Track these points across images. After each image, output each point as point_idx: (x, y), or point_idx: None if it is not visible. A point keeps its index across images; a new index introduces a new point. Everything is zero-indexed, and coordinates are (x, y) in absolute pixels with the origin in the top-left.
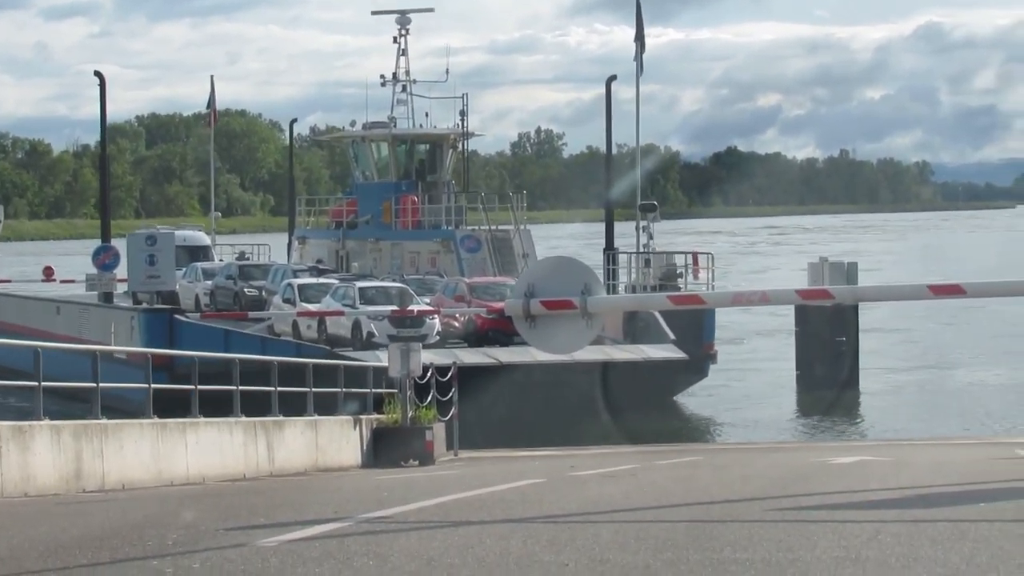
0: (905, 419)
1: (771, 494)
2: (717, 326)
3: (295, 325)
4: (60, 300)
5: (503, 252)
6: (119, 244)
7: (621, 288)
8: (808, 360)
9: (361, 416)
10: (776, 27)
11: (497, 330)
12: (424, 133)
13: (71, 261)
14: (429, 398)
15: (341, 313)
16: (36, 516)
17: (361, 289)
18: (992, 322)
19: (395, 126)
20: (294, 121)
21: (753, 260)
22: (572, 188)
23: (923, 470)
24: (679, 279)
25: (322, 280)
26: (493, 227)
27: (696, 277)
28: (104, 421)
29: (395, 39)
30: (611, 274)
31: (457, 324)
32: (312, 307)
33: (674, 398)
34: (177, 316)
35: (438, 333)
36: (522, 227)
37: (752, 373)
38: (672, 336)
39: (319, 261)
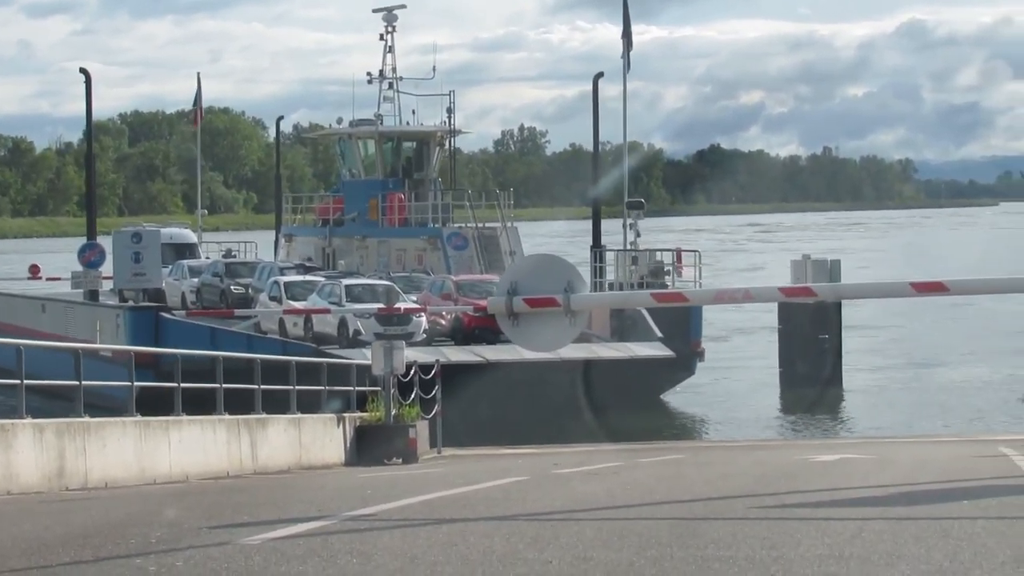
0: (888, 417)
1: (754, 492)
2: (705, 324)
3: (281, 323)
4: (46, 298)
5: (490, 250)
6: (104, 242)
7: (608, 286)
8: (791, 358)
9: (344, 414)
10: (759, 24)
11: (484, 328)
12: (411, 130)
13: (55, 259)
14: (412, 396)
15: (327, 311)
16: (19, 514)
17: (347, 287)
18: (976, 320)
19: (382, 123)
20: (281, 118)
21: (739, 257)
22: (555, 186)
23: (906, 468)
24: (666, 276)
25: (308, 278)
26: (480, 225)
27: (679, 274)
28: (87, 419)
29: (382, 36)
30: (598, 271)
31: (444, 322)
32: (298, 305)
33: (661, 396)
34: (163, 314)
35: (425, 331)
36: (509, 225)
37: (738, 371)
38: (659, 334)
39: (308, 259)
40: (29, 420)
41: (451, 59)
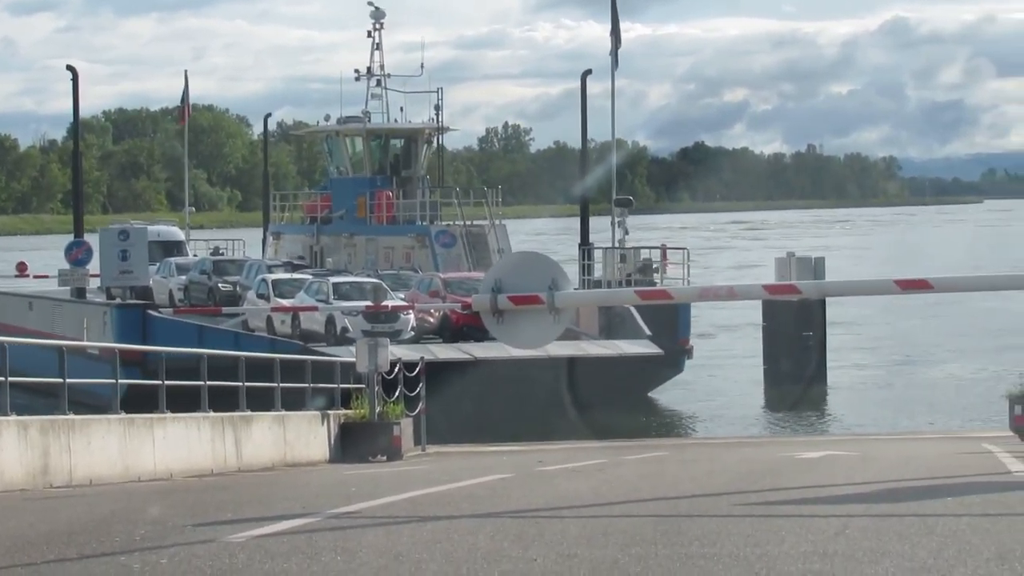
0: (872, 414)
1: (739, 489)
2: (693, 321)
3: (269, 321)
4: (33, 296)
5: (478, 247)
6: (91, 239)
7: (596, 283)
8: (775, 355)
9: (329, 411)
10: (743, 22)
11: (472, 326)
12: (399, 128)
13: (40, 256)
14: (397, 393)
15: (315, 309)
16: (3, 512)
17: (335, 284)
18: (960, 317)
19: (370, 121)
20: (268, 116)
21: (726, 255)
22: (539, 183)
23: (890, 465)
24: (655, 274)
25: (296, 275)
26: (468, 222)
27: (665, 271)
28: (71, 417)
29: (370, 33)
30: (586, 269)
31: (432, 320)
32: (286, 302)
33: (649, 393)
34: (150, 312)
35: (412, 328)
36: (497, 222)
37: (724, 368)
38: (648, 331)
39: (301, 257)
40: (14, 417)
41: (435, 57)
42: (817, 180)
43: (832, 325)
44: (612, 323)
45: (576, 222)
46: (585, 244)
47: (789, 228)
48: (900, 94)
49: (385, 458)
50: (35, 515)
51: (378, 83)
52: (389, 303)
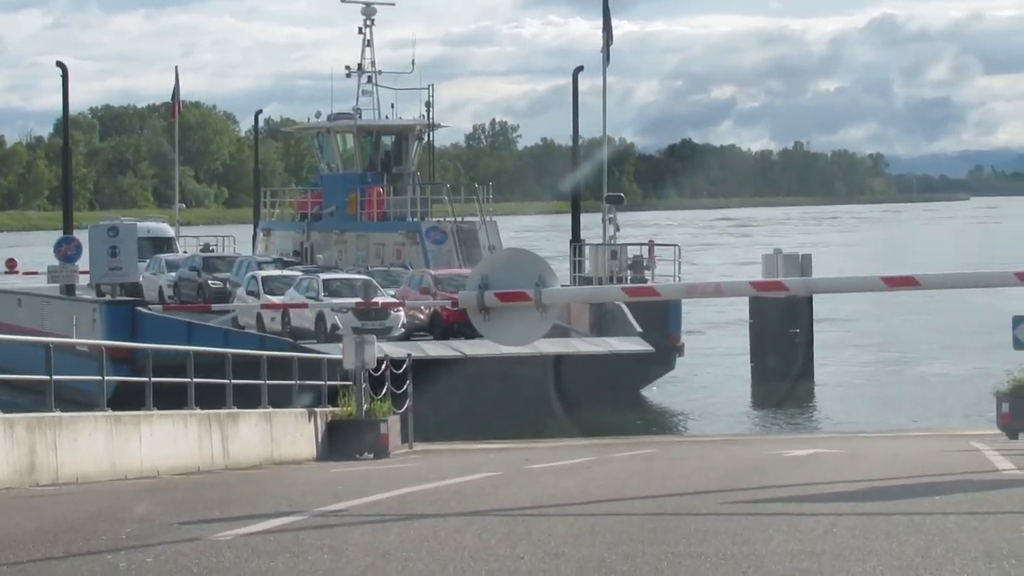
0: (859, 411)
1: (726, 487)
2: (684, 318)
3: (259, 317)
4: (22, 292)
5: (469, 244)
6: (79, 236)
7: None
8: (762, 352)
9: (316, 409)
10: (731, 19)
11: (462, 323)
12: (390, 124)
13: (28, 253)
14: (384, 391)
15: (305, 305)
16: None
17: (325, 281)
18: (948, 315)
19: (360, 117)
20: (259, 112)
21: (715, 252)
22: (527, 180)
23: (877, 462)
24: (645, 271)
25: (286, 272)
26: (459, 219)
27: (655, 267)
28: (58, 414)
29: (360, 29)
30: (577, 266)
31: (422, 316)
32: (276, 299)
33: (640, 391)
34: (140, 308)
35: (403, 325)
36: (488, 219)
37: (711, 365)
38: (639, 328)
39: (295, 253)
40: (0, 414)
41: (423, 54)
42: (804, 177)
43: (819, 322)
44: (603, 320)
45: (563, 219)
46: (576, 241)
47: (776, 225)
48: (887, 91)
49: (372, 456)
50: (21, 513)
51: (369, 80)
52: (379, 300)
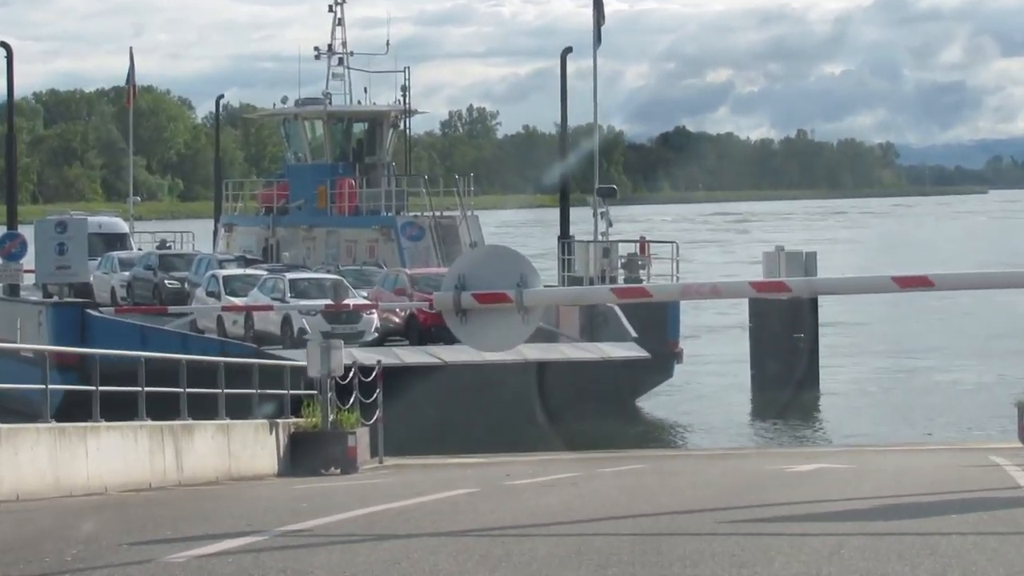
0: (868, 423)
1: (724, 505)
2: (683, 322)
3: (220, 321)
4: None
5: (448, 240)
6: (25, 231)
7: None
8: (763, 358)
9: (278, 420)
10: None
11: (441, 326)
12: (362, 110)
13: None
14: (352, 400)
15: (270, 308)
16: None
17: (292, 281)
18: (965, 318)
19: (331, 103)
20: (221, 97)
21: (712, 249)
22: (507, 171)
23: (888, 478)
24: (640, 270)
25: (249, 271)
26: (437, 213)
27: (650, 265)
28: None
29: (331, 7)
30: (567, 264)
31: (397, 320)
32: (238, 301)
33: (636, 401)
34: (90, 311)
35: (376, 330)
36: (469, 213)
37: (712, 373)
38: (634, 333)
39: (264, 251)
40: None
41: (395, 34)
42: (808, 168)
43: (825, 326)
44: (595, 324)
45: (547, 213)
46: (565, 237)
47: (778, 220)
48: (897, 75)
49: (339, 471)
50: None
51: (340, 62)
52: (351, 302)
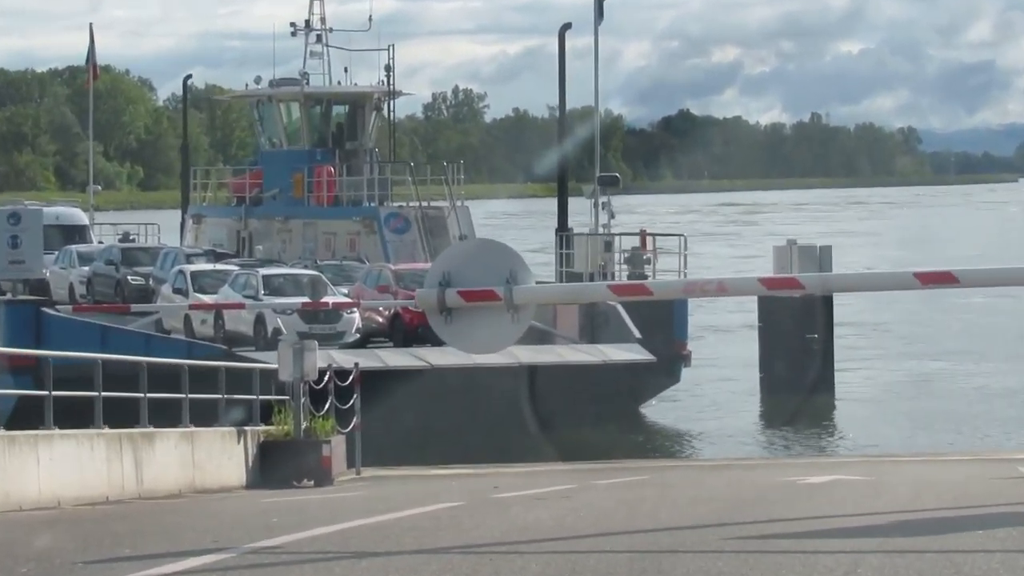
0: (886, 430)
1: (729, 520)
2: (690, 322)
3: (187, 320)
4: None
5: (436, 233)
6: None
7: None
8: (773, 361)
9: (246, 428)
10: None
11: (428, 327)
12: (343, 92)
13: None
14: (327, 406)
15: (242, 306)
16: None
17: (266, 277)
18: (993, 317)
19: (308, 83)
20: (188, 77)
21: (718, 243)
22: (496, 158)
23: (907, 491)
24: (646, 266)
25: (220, 267)
26: (424, 203)
27: (656, 260)
28: None
29: None
30: (565, 259)
31: (381, 319)
32: (207, 299)
33: (640, 407)
34: (45, 309)
35: (358, 330)
36: (459, 203)
37: (719, 378)
38: (638, 334)
39: (239, 246)
40: None
41: (374, 9)
42: (822, 155)
43: (840, 326)
44: (595, 324)
45: (539, 204)
46: (563, 230)
47: (790, 211)
48: (920, 54)
49: (312, 483)
50: None
51: (318, 39)
52: (330, 300)
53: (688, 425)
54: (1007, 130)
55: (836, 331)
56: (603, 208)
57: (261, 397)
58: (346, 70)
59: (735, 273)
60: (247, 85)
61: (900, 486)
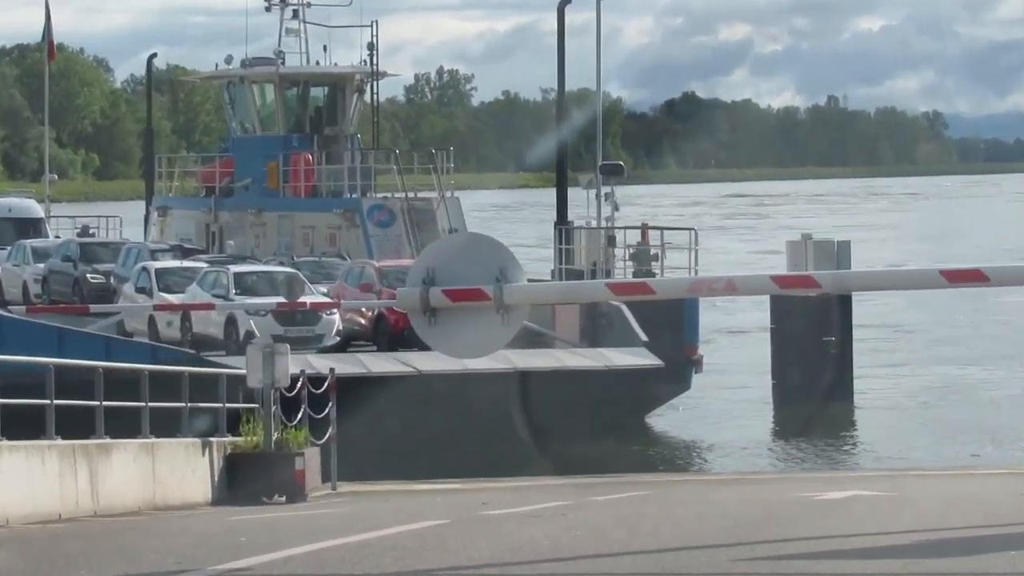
0: (909, 442)
1: (739, 539)
2: (702, 323)
3: (152, 322)
4: None
5: (424, 227)
6: None
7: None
8: (787, 366)
9: (212, 439)
10: None
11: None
12: (321, 72)
13: None
14: (300, 415)
15: (211, 307)
16: None
17: (237, 275)
18: None
19: (283, 63)
20: (153, 56)
21: (727, 238)
22: (484, 145)
23: (933, 508)
24: (653, 263)
25: (187, 264)
26: (411, 194)
27: (665, 256)
28: None
29: None
30: (565, 255)
31: (364, 321)
32: (173, 299)
33: (646, 417)
34: None
35: (338, 333)
36: (448, 194)
37: (735, 382)
38: (644, 337)
39: (218, 242)
40: None
41: None
42: (839, 141)
43: (859, 328)
44: (598, 326)
45: (533, 195)
46: (563, 223)
47: (804, 203)
48: (947, 31)
49: (284, 499)
50: None
51: (295, 14)
52: (308, 300)
53: (694, 436)
54: None
55: (855, 333)
56: (606, 200)
57: (228, 405)
58: (325, 48)
59: (746, 271)
60: (216, 65)
61: (925, 502)
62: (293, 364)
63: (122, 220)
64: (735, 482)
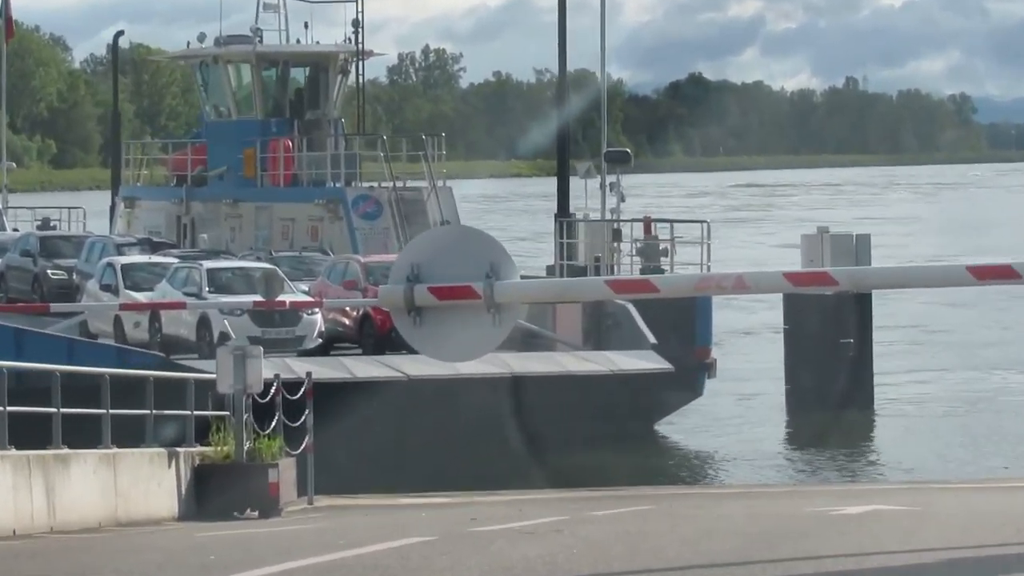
0: (933, 452)
1: (749, 557)
2: (715, 323)
3: (118, 322)
4: None
5: (413, 219)
6: None
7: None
8: (801, 370)
9: (179, 449)
10: None
11: None
12: (302, 51)
13: None
14: (274, 423)
15: (182, 305)
16: None
17: (211, 272)
18: None
19: (261, 41)
20: (120, 34)
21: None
22: (474, 130)
23: (957, 524)
24: (663, 258)
25: (156, 259)
26: (399, 184)
27: (674, 251)
28: None
29: None
30: (566, 250)
31: (348, 321)
32: (141, 297)
33: (655, 425)
34: None
35: (320, 334)
36: (440, 184)
37: (747, 388)
38: (652, 339)
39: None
40: None
41: None
42: (859, 127)
43: (879, 329)
44: (602, 327)
45: (526, 184)
46: (564, 215)
47: (820, 194)
48: (975, 7)
49: (257, 514)
50: None
51: None
52: (287, 298)
53: (700, 446)
54: None
55: (874, 335)
56: (611, 190)
57: (197, 413)
58: (306, 26)
59: (754, 264)
60: (188, 44)
61: (949, 518)
62: (268, 368)
63: (85, 212)
64: (744, 495)
